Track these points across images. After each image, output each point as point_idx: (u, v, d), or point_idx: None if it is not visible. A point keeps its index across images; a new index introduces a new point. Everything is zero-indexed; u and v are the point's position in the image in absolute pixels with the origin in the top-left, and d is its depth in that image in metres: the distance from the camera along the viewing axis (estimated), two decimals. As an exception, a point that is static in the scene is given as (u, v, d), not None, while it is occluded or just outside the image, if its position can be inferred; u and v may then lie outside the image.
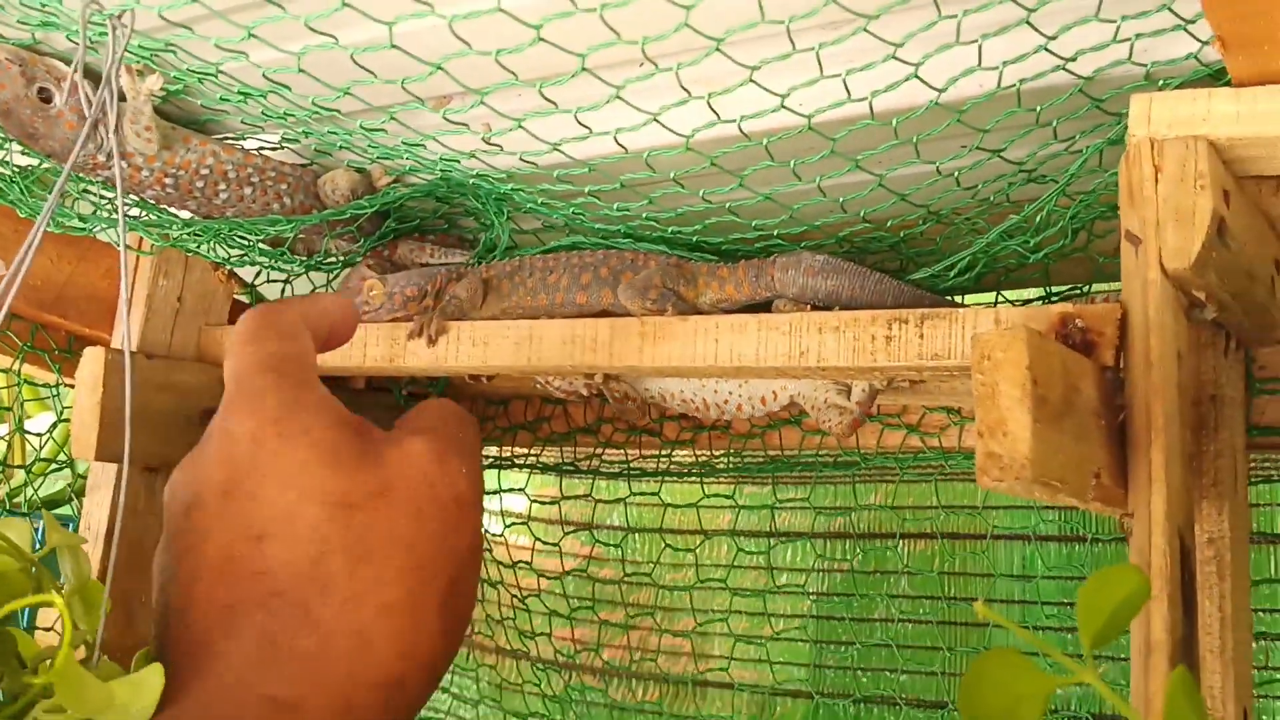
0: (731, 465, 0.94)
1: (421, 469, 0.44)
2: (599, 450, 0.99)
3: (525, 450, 1.06)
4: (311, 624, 0.40)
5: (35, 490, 0.94)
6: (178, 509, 0.44)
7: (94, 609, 0.52)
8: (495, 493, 1.21)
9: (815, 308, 0.69)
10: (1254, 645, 0.94)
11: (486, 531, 1.28)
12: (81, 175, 0.73)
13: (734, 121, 0.59)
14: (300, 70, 0.58)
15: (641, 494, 1.03)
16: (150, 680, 0.42)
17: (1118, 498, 0.53)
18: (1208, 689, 0.63)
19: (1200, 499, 0.64)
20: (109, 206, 0.78)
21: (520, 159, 0.66)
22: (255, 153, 0.77)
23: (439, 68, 0.55)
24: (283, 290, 0.95)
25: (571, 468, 1.03)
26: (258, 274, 0.92)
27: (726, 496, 1.00)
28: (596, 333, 0.69)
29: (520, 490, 1.12)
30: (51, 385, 0.92)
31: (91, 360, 0.79)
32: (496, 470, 1.10)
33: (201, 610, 0.41)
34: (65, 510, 1.00)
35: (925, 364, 0.60)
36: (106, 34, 0.61)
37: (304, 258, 0.86)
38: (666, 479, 0.99)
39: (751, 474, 0.97)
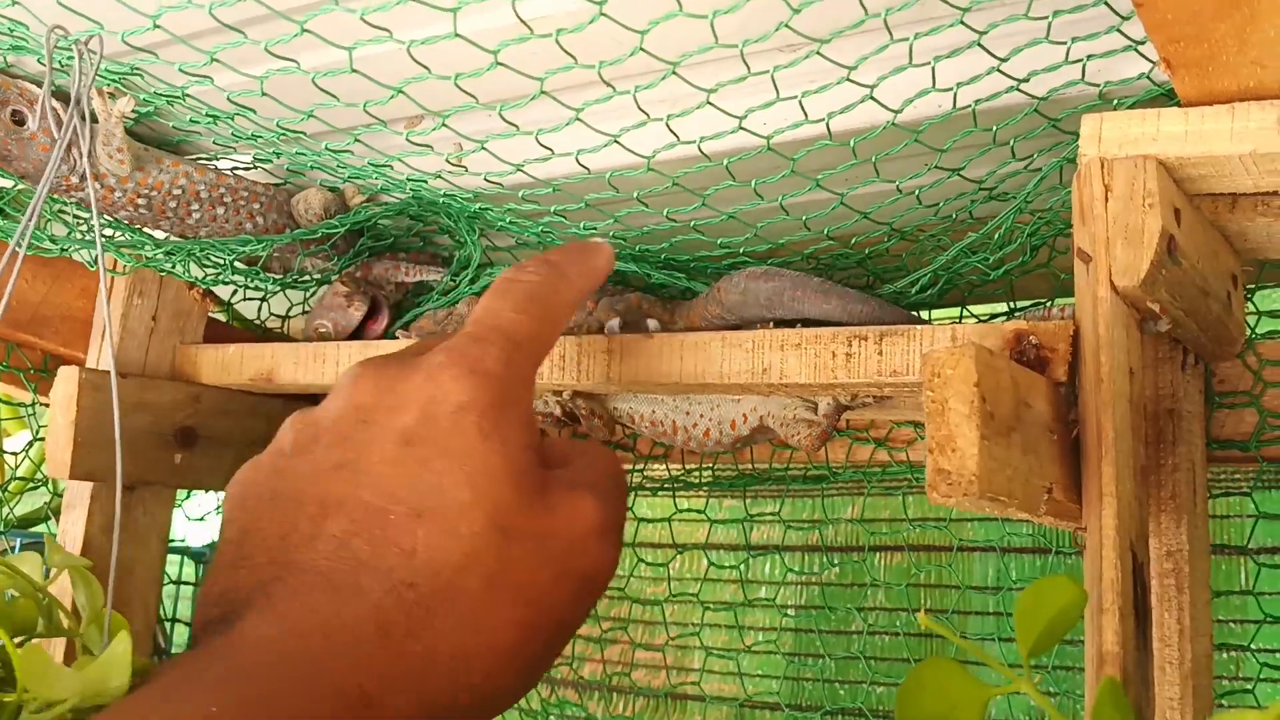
0: (704, 480, 0.95)
1: (584, 534, 0.43)
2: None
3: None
4: (426, 633, 0.38)
5: (11, 509, 0.94)
6: (348, 408, 0.42)
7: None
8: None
9: (779, 324, 0.69)
10: (1224, 656, 0.95)
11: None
12: (55, 196, 0.74)
13: (694, 142, 0.60)
14: (264, 94, 0.58)
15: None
16: (118, 652, 0.43)
17: (1072, 512, 0.54)
18: (1166, 700, 0.63)
19: (1159, 512, 0.65)
20: (83, 227, 0.79)
21: (485, 179, 0.66)
22: (228, 173, 0.78)
23: (400, 91, 0.56)
24: (259, 308, 0.96)
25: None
26: (234, 292, 0.93)
27: (699, 511, 1.01)
28: (564, 349, 0.70)
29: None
30: (28, 404, 0.92)
31: (65, 380, 0.80)
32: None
33: (324, 546, 0.39)
34: (42, 528, 1.01)
35: (885, 380, 0.61)
36: (74, 58, 0.62)
37: (279, 276, 0.87)
38: (640, 493, 0.99)
39: (724, 489, 0.98)
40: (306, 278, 0.87)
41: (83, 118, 0.68)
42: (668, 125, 0.59)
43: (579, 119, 0.58)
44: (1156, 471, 0.65)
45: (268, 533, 0.40)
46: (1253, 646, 0.84)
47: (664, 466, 0.94)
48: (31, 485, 0.98)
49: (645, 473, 0.97)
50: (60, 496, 0.89)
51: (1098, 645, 0.50)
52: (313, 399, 0.97)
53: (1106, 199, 0.54)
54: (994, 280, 0.72)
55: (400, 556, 0.39)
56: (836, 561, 1.17)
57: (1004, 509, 0.49)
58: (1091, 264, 0.54)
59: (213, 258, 0.82)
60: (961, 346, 0.48)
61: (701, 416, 0.79)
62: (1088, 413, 0.52)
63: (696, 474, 0.95)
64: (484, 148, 0.62)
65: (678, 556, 1.11)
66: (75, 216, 0.78)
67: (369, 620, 0.38)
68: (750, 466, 0.90)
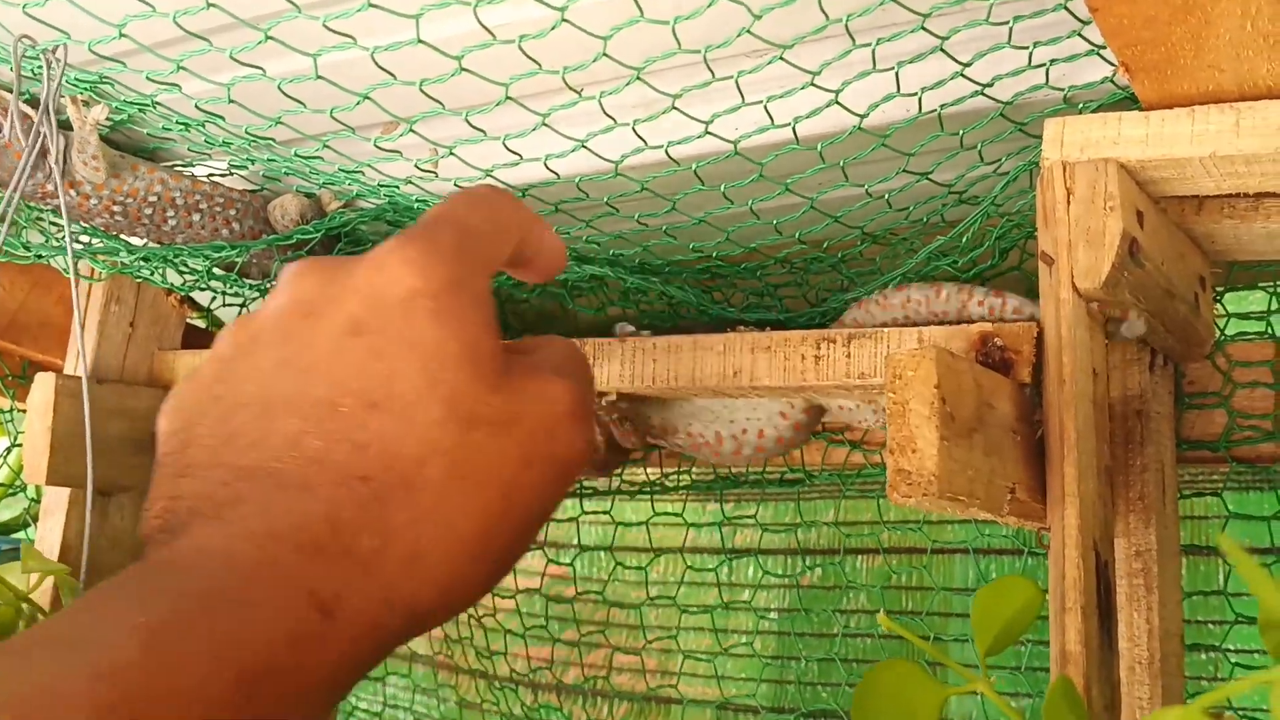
0: (681, 484, 0.95)
1: (553, 417, 0.40)
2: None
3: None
4: (380, 527, 0.36)
5: (-10, 515, 0.95)
6: (288, 303, 0.39)
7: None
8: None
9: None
10: (1202, 656, 0.95)
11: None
12: (32, 204, 0.74)
13: (661, 147, 0.60)
14: (231, 101, 0.59)
15: (593, 513, 1.04)
16: None
17: (1036, 512, 0.54)
18: (1135, 700, 0.64)
19: (1128, 512, 0.65)
20: (60, 234, 0.79)
21: (455, 185, 0.67)
22: (204, 179, 0.78)
23: (366, 97, 0.56)
24: (239, 313, 0.96)
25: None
26: (213, 298, 0.93)
27: (677, 515, 1.01)
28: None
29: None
30: (6, 410, 0.92)
31: (42, 386, 0.80)
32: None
33: (274, 446, 0.37)
34: (21, 535, 1.01)
35: (853, 382, 0.61)
36: (43, 67, 0.63)
37: (257, 281, 0.87)
38: (619, 497, 0.99)
39: (701, 492, 0.98)
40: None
41: (53, 125, 0.68)
42: (635, 130, 0.59)
43: (545, 124, 0.59)
44: (1125, 472, 0.65)
45: (211, 439, 0.38)
46: (1226, 647, 0.84)
47: (643, 470, 0.95)
48: (10, 491, 0.98)
49: (624, 476, 0.97)
50: (39, 502, 0.89)
51: (1060, 645, 0.50)
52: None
53: (1069, 202, 0.55)
54: (965, 282, 0.72)
55: (353, 450, 0.37)
56: (816, 564, 1.17)
57: (965, 509, 0.50)
58: (1054, 266, 0.55)
59: (190, 264, 0.82)
60: (922, 349, 0.49)
61: (748, 419, 0.77)
62: (1050, 413, 0.53)
63: (674, 478, 0.95)
64: (452, 153, 0.62)
65: (657, 560, 1.11)
66: (52, 223, 0.79)
67: (319, 517, 0.35)
68: (728, 471, 0.90)
